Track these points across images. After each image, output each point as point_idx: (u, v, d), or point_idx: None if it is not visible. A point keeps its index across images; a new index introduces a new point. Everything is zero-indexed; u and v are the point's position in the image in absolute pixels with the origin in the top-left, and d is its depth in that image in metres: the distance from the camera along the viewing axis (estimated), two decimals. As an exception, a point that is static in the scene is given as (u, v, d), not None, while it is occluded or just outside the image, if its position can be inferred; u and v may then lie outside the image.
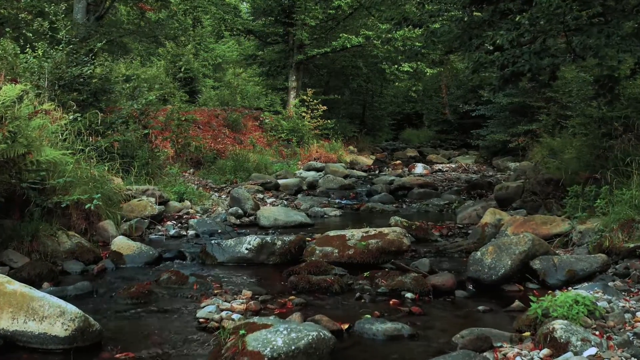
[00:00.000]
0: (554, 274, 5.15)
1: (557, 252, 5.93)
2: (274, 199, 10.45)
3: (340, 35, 20.30)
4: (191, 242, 7.24)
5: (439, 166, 18.68)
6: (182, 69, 17.22)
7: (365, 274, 5.11)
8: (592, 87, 11.54)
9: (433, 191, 11.88)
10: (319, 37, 22.18)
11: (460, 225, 8.19)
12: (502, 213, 7.45)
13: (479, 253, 5.37)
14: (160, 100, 19.33)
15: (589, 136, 10.14)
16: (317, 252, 5.93)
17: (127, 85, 9.82)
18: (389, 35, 19.27)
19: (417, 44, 19.72)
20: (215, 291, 4.94)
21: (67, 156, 6.67)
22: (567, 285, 5.11)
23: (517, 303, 4.60)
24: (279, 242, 6.04)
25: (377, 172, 17.27)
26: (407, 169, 17.31)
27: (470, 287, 5.24)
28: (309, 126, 19.44)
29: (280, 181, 12.08)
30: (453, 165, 18.61)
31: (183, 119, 12.34)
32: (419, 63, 21.66)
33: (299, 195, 11.34)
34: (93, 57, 10.40)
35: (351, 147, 21.39)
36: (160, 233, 7.53)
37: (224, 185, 11.33)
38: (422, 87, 26.86)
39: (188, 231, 7.65)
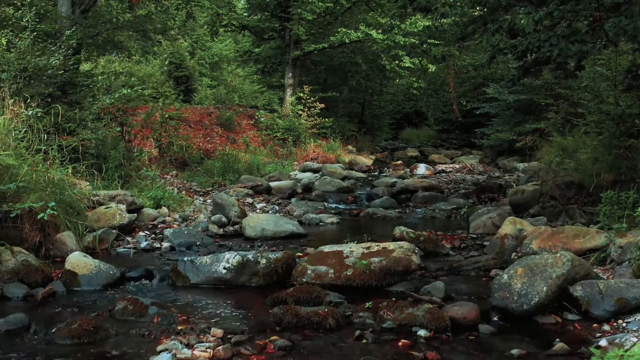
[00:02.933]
0: (599, 304, 4.17)
1: (595, 271, 4.95)
2: (265, 204, 9.46)
3: (339, 29, 19.31)
4: (165, 256, 6.24)
5: (442, 166, 17.72)
6: (167, 62, 16.19)
7: (367, 304, 4.12)
8: (609, 83, 10.67)
9: (439, 194, 10.90)
10: (316, 33, 21.26)
11: (473, 235, 7.20)
12: (523, 222, 6.47)
13: (505, 276, 4.39)
14: (152, 97, 18.54)
15: (604, 135, 9.35)
16: (309, 272, 4.95)
17: (100, 77, 8.82)
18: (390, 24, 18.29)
19: (416, 39, 18.86)
20: (179, 327, 3.95)
21: (9, 158, 5.65)
22: (617, 317, 4.13)
23: (560, 345, 3.62)
24: (263, 261, 5.04)
25: (377, 173, 16.32)
26: (408, 170, 16.35)
27: (496, 318, 4.26)
28: (306, 125, 18.50)
29: (272, 183, 11.09)
30: (457, 166, 17.63)
31: (167, 116, 11.32)
32: (421, 59, 20.71)
33: (293, 200, 10.36)
34: (71, 49, 9.36)
35: (350, 147, 20.46)
36: (129, 246, 6.53)
37: (210, 188, 10.33)
38: (426, 83, 25.86)
39: (162, 243, 6.65)
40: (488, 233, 7.16)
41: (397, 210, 9.64)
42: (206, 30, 24.99)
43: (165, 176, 10.13)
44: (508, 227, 6.32)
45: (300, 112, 18.85)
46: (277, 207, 9.28)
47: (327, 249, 5.21)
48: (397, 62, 20.14)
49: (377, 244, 5.18)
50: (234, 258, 5.05)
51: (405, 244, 5.11)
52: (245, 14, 22.95)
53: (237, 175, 11.51)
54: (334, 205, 10.11)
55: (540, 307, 4.19)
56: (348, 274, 4.83)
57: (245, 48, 24.86)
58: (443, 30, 21.24)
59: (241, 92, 25.15)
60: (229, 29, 22.03)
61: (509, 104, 18.34)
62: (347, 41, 19.35)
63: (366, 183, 13.40)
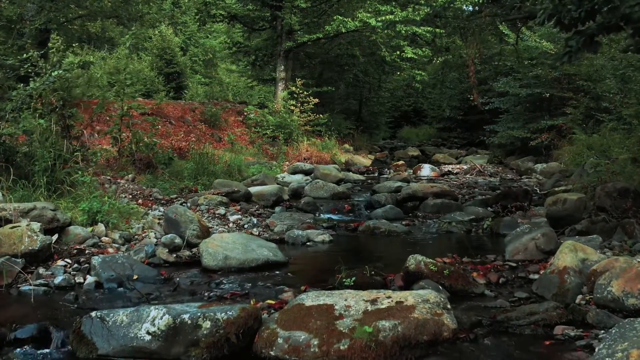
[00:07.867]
0: None
1: None
2: (240, 216, 7.61)
3: (335, 18, 17.51)
4: (80, 299, 4.40)
5: (448, 167, 15.97)
6: (128, 43, 14.37)
7: None
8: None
9: (452, 202, 9.06)
10: (310, 22, 19.50)
11: (512, 264, 5.34)
12: (586, 249, 4.63)
13: (609, 362, 2.59)
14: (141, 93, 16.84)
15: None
16: (280, 342, 3.12)
17: (27, 56, 6.92)
18: (390, 17, 16.62)
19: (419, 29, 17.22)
20: None
21: None
22: None
23: None
24: (207, 324, 3.19)
25: (376, 174, 14.53)
26: (412, 171, 14.56)
27: None
28: (299, 121, 16.71)
29: (253, 189, 9.26)
30: (465, 167, 15.84)
31: (126, 107, 9.45)
32: (423, 49, 18.95)
33: (277, 209, 8.53)
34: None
35: (346, 146, 18.70)
36: (41, 280, 4.70)
37: (176, 195, 8.49)
38: (430, 77, 24.13)
39: (87, 276, 4.82)
40: (532, 260, 5.32)
41: (403, 223, 7.83)
42: (194, 20, 23.34)
43: (119, 180, 8.27)
44: (567, 256, 4.48)
45: (292, 107, 17.10)
46: (255, 220, 7.44)
47: (309, 301, 3.37)
48: (397, 52, 18.33)
49: (387, 294, 3.34)
50: (161, 318, 3.20)
51: (431, 295, 3.27)
52: (235, 5, 21.24)
53: (213, 178, 9.70)
54: (326, 216, 8.30)
55: None
56: (342, 348, 3.00)
57: (234, 40, 23.15)
58: (447, 22, 19.61)
59: (235, 90, 23.50)
60: (218, 19, 20.29)
61: (520, 99, 16.64)
62: (343, 31, 17.62)
63: (365, 187, 11.58)
